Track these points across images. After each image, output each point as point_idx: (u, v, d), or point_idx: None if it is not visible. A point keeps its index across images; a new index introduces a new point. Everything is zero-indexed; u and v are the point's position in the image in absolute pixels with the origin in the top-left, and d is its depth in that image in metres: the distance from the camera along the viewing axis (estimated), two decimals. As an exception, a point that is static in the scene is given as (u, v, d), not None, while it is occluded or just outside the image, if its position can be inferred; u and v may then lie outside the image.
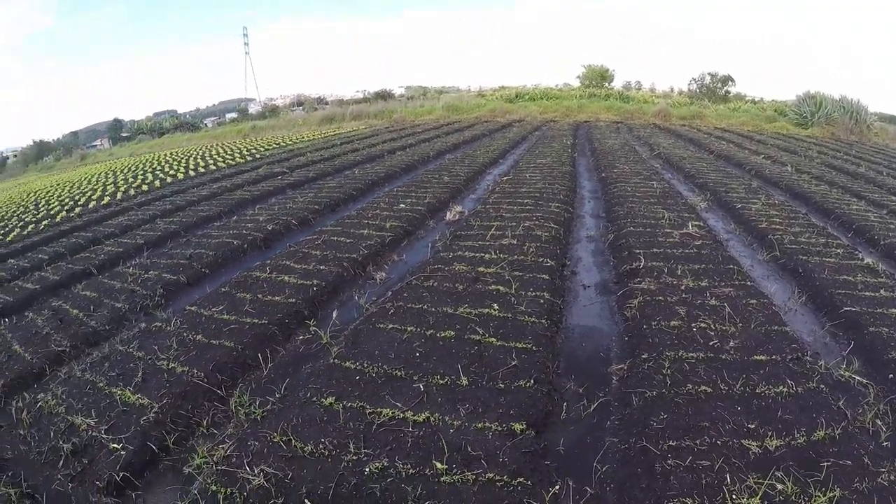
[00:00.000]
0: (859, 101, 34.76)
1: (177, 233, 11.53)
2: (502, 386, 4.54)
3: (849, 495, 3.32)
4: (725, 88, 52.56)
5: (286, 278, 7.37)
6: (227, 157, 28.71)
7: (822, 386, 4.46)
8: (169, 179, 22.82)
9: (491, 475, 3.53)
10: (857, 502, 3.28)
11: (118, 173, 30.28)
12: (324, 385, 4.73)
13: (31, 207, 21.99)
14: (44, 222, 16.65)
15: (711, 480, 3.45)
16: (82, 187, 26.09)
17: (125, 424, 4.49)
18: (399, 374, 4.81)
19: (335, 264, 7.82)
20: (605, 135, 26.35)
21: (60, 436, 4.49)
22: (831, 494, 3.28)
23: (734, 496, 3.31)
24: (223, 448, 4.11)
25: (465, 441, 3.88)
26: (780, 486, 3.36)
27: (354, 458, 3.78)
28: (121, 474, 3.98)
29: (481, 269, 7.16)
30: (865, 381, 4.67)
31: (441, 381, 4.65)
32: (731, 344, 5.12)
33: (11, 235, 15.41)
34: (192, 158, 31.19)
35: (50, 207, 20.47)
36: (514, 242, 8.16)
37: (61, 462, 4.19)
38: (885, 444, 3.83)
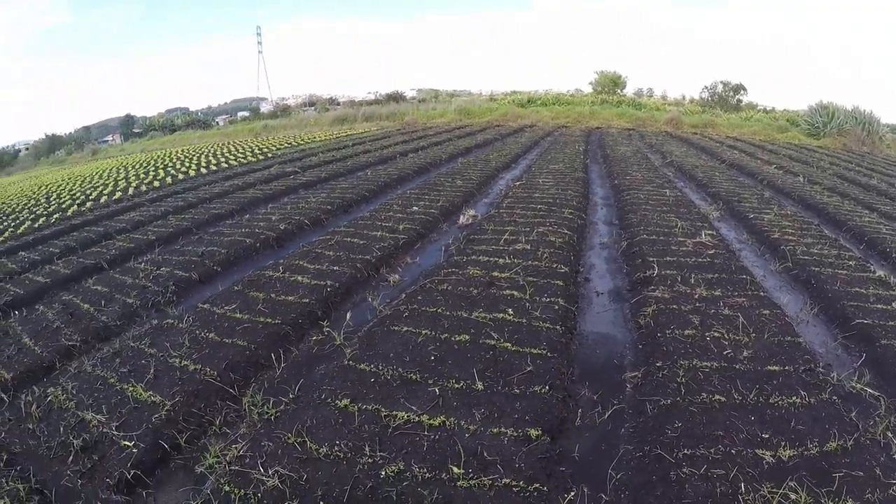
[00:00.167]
0: (872, 112, 34.63)
1: (188, 230, 11.56)
2: (517, 391, 4.53)
3: (861, 507, 3.31)
4: (737, 97, 52.48)
5: (299, 278, 7.37)
6: (239, 155, 28.80)
7: (834, 397, 4.45)
8: (181, 176, 22.91)
9: (507, 480, 3.52)
10: (870, 514, 3.27)
11: (129, 169, 30.40)
12: (338, 386, 4.72)
13: (43, 201, 22.09)
14: (55, 216, 16.73)
15: (726, 489, 3.44)
16: (94, 182, 26.20)
17: (136, 421, 4.48)
18: (414, 377, 4.80)
19: (348, 265, 7.81)
20: (617, 142, 26.30)
21: (70, 431, 4.48)
22: (844, 505, 3.27)
23: (749, 506, 3.30)
24: (236, 448, 4.10)
25: (481, 446, 3.87)
26: (793, 496, 3.35)
27: (370, 461, 3.77)
28: (132, 472, 3.97)
29: (495, 273, 7.15)
30: (877, 393, 4.64)
31: (456, 385, 4.65)
32: (745, 354, 5.10)
33: (22, 228, 15.49)
34: (203, 156, 31.28)
35: (61, 201, 20.57)
36: (528, 248, 8.15)
37: (71, 458, 4.18)
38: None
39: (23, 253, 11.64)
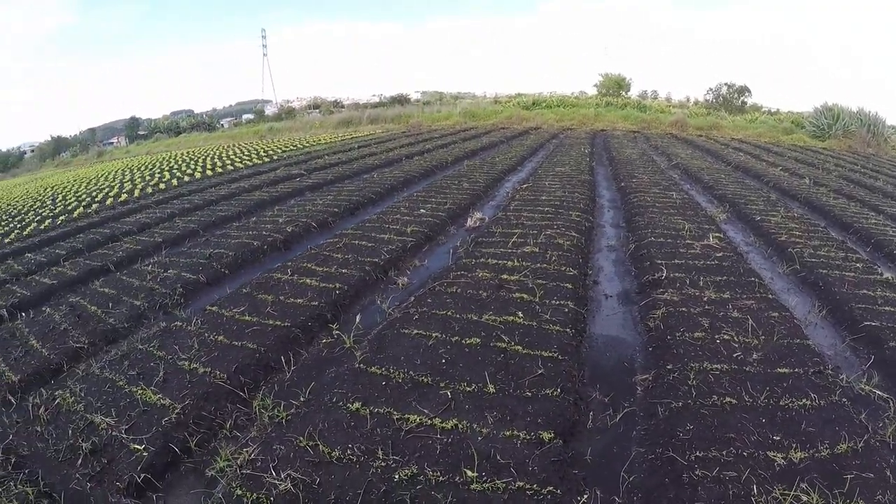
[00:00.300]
0: (877, 114, 34.52)
1: (195, 232, 11.59)
2: (529, 394, 4.52)
3: (872, 509, 3.31)
4: (742, 99, 52.46)
5: (308, 281, 7.37)
6: (245, 157, 28.86)
7: (843, 399, 4.45)
8: (186, 178, 22.97)
9: (521, 483, 3.52)
10: (881, 516, 3.27)
11: (135, 171, 30.52)
12: (349, 390, 4.71)
13: (48, 202, 22.17)
14: (61, 217, 16.81)
15: (738, 491, 3.44)
16: (99, 184, 26.29)
17: (146, 424, 4.48)
18: (425, 380, 4.79)
19: (357, 268, 7.82)
20: (622, 144, 26.34)
21: (79, 434, 4.47)
22: (855, 507, 3.27)
23: (762, 507, 3.31)
24: (247, 451, 4.09)
25: (494, 449, 3.86)
26: (805, 498, 3.36)
27: (383, 464, 3.77)
28: (142, 475, 3.95)
29: (504, 276, 7.14)
30: (886, 395, 4.67)
31: (468, 389, 4.64)
32: (755, 356, 5.10)
33: (28, 229, 15.57)
34: (209, 158, 31.36)
35: (67, 203, 20.64)
36: (536, 250, 8.15)
37: (80, 461, 4.17)
38: (905, 458, 3.82)
39: (29, 254, 11.69)
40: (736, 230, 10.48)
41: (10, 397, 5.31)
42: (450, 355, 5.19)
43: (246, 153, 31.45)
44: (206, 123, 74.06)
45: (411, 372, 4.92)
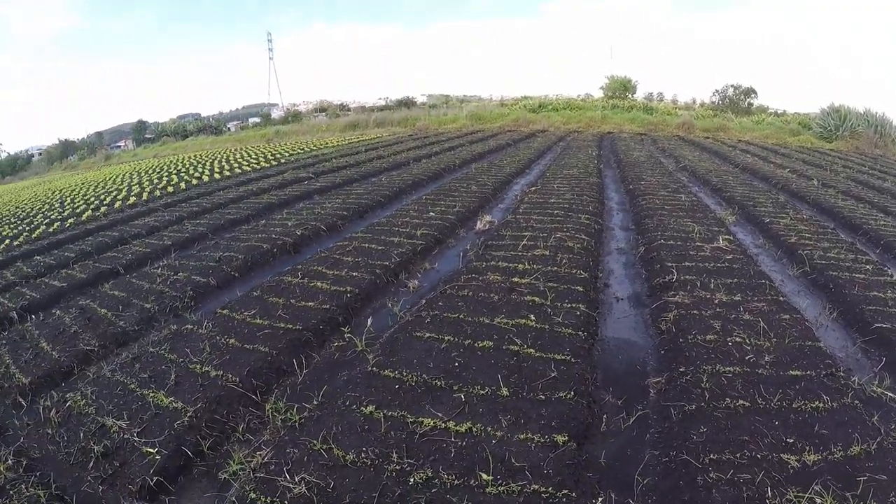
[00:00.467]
0: (884, 115, 34.47)
1: (204, 235, 11.61)
2: (543, 397, 4.51)
3: (886, 510, 3.31)
4: (748, 100, 52.34)
5: (319, 284, 7.37)
6: (252, 160, 28.97)
7: (856, 401, 4.44)
8: (194, 182, 23.03)
9: (536, 487, 3.52)
10: (895, 518, 3.27)
11: (143, 174, 30.62)
12: (362, 393, 4.71)
13: (57, 205, 22.27)
14: (69, 220, 16.86)
15: (753, 494, 3.44)
16: (107, 187, 26.39)
17: (158, 427, 4.48)
18: (439, 383, 4.78)
19: (368, 271, 7.82)
20: (629, 146, 26.32)
21: (90, 437, 4.47)
22: (869, 509, 3.27)
23: (777, 510, 3.30)
24: (261, 455, 4.09)
25: (509, 452, 3.86)
26: (819, 501, 3.35)
27: (398, 467, 3.76)
28: (154, 478, 3.96)
29: (515, 279, 7.13)
30: (898, 397, 4.65)
31: (482, 392, 4.63)
32: (767, 359, 5.08)
33: (37, 232, 15.63)
34: (216, 161, 31.49)
35: (76, 206, 20.72)
36: (547, 253, 8.13)
37: (91, 464, 4.18)
38: (918, 460, 3.81)
39: (38, 257, 11.74)
40: (745, 232, 10.45)
41: (21, 400, 5.33)
42: (462, 358, 5.19)
43: (253, 156, 31.57)
44: (212, 127, 74.25)
45: (424, 375, 4.92)
